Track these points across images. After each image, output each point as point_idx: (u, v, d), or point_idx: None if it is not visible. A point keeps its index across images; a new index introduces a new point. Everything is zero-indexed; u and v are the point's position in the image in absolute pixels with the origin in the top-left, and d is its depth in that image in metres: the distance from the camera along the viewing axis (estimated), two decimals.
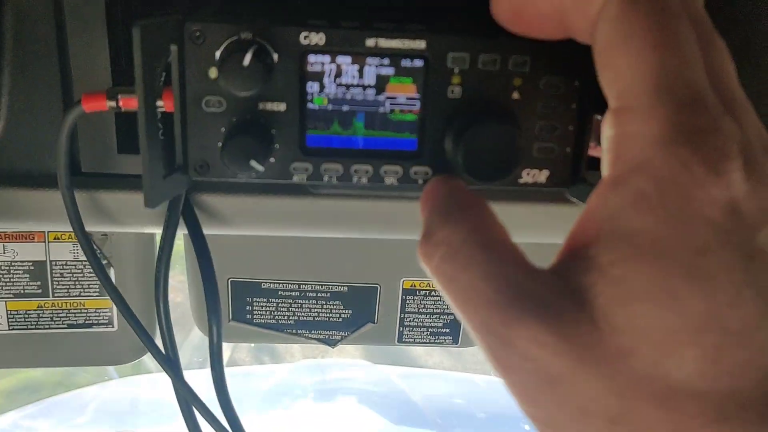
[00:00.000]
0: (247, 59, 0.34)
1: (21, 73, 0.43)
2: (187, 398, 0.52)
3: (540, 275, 0.30)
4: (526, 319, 0.28)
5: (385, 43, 0.37)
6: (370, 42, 0.37)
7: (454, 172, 0.39)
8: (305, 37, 0.37)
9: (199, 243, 0.46)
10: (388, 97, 0.39)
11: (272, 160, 0.39)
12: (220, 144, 0.38)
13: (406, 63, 0.38)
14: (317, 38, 0.37)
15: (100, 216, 0.46)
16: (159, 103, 0.39)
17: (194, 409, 0.53)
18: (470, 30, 0.38)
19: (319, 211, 0.48)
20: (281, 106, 0.38)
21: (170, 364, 0.51)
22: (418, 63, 0.38)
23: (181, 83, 0.37)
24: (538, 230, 0.51)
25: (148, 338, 0.52)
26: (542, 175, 0.40)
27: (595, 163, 0.37)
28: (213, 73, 0.37)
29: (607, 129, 0.30)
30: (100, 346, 0.90)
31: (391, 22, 0.40)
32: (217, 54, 0.37)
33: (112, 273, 0.84)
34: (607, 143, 0.30)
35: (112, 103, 0.39)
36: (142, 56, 0.33)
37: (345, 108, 0.39)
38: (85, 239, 0.45)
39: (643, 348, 0.26)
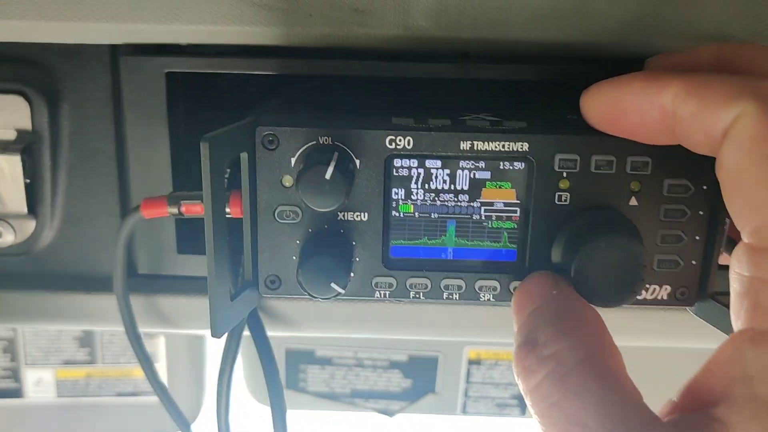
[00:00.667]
0: (329, 172, 0.30)
1: (77, 173, 0.40)
2: None
3: (659, 427, 0.25)
4: None
5: (481, 145, 0.32)
6: (464, 144, 0.32)
7: None
8: (390, 141, 0.32)
9: (263, 347, 0.42)
10: (483, 204, 0.34)
11: (352, 274, 0.34)
12: (294, 258, 0.34)
13: (504, 166, 0.33)
14: (404, 141, 0.32)
15: (156, 319, 0.42)
16: (226, 210, 0.35)
17: None
18: (579, 126, 0.33)
19: (386, 314, 0.43)
20: (363, 216, 0.33)
21: None
22: (519, 165, 0.33)
23: (252, 191, 0.33)
24: (650, 335, 0.45)
25: None
26: (663, 291, 0.34)
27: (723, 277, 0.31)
28: (288, 181, 0.33)
29: (741, 268, 0.25)
30: (147, 416, 0.87)
31: (485, 111, 0.35)
32: (293, 160, 0.32)
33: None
34: (741, 286, 0.25)
35: (174, 210, 0.35)
36: (210, 171, 0.29)
37: (434, 215, 0.34)
38: (139, 347, 0.41)
39: None
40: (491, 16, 0.35)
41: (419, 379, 0.89)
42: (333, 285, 0.32)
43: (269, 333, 0.43)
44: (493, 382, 0.89)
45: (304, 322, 0.43)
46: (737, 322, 0.25)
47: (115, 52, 0.38)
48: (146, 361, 0.43)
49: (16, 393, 0.84)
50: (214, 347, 0.87)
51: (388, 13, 0.35)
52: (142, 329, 0.42)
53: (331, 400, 0.91)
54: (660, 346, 0.44)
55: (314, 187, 0.30)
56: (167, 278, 0.41)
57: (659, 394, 0.28)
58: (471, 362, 0.87)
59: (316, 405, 0.93)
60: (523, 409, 0.92)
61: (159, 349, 0.82)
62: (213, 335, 0.31)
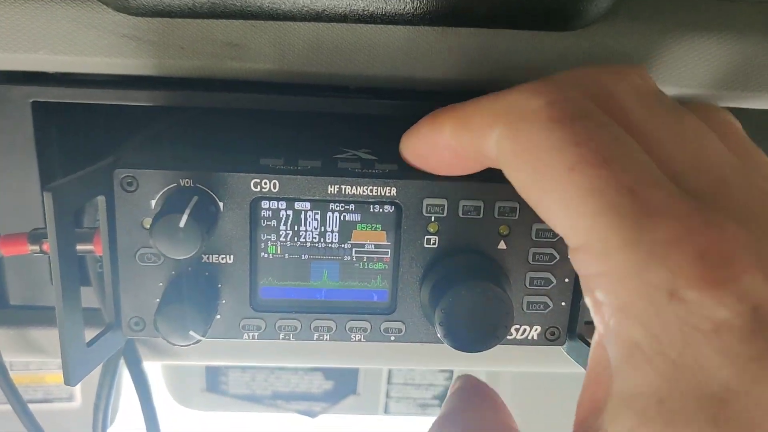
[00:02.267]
0: (183, 220, 0.29)
1: None
2: None
3: None
4: None
5: (350, 189, 0.32)
6: (332, 188, 0.32)
7: (430, 331, 0.34)
8: (255, 184, 0.31)
9: (139, 378, 0.41)
10: (354, 245, 0.33)
11: (218, 316, 0.33)
12: (157, 300, 0.33)
13: (375, 209, 0.33)
14: (270, 185, 0.32)
15: (29, 350, 0.41)
16: (90, 247, 0.33)
17: None
18: None
19: (270, 344, 0.43)
20: (228, 258, 0.33)
21: None
22: (389, 209, 0.33)
23: (111, 236, 0.32)
24: (531, 363, 0.46)
25: None
26: (534, 332, 0.35)
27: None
28: (147, 223, 0.32)
29: (578, 271, 0.25)
30: (59, 422, 0.85)
31: (363, 147, 0.35)
32: (153, 203, 0.31)
33: None
34: (583, 288, 0.25)
35: (35, 247, 0.34)
36: (56, 223, 0.28)
37: (304, 257, 0.33)
38: (7, 384, 0.40)
39: None
40: (366, 52, 0.34)
41: (341, 380, 0.90)
42: (191, 332, 0.31)
43: (149, 362, 0.42)
44: (414, 383, 0.89)
45: (185, 353, 0.42)
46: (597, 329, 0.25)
47: None
48: (13, 395, 0.42)
49: None
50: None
51: (263, 47, 0.34)
52: (14, 359, 0.41)
53: (252, 402, 0.91)
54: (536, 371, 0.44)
55: (167, 236, 0.29)
56: (39, 308, 0.40)
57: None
58: None
59: (237, 407, 0.93)
60: None
61: None
62: (67, 383, 0.31)
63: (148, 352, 0.42)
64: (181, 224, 0.29)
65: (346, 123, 0.39)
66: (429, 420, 1.00)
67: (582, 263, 0.24)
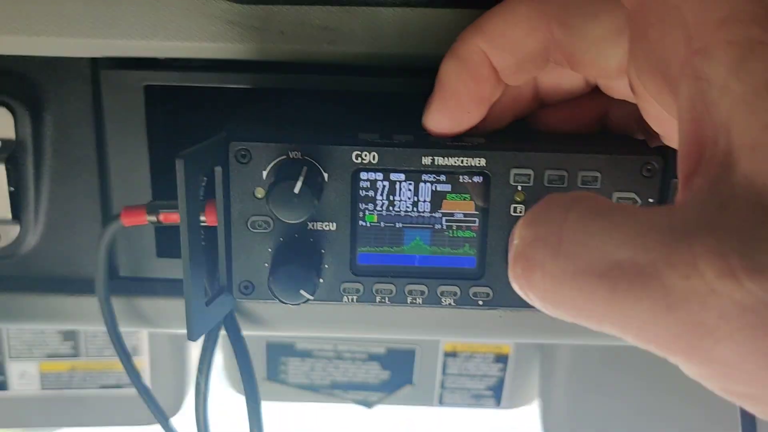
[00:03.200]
0: (298, 186, 0.32)
1: (60, 180, 0.41)
2: None
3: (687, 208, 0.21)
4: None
5: (442, 160, 0.34)
6: (426, 160, 0.34)
7: (517, 296, 0.36)
8: (357, 156, 0.34)
9: (239, 347, 0.44)
10: (444, 214, 0.36)
11: (321, 280, 0.36)
12: (266, 265, 0.36)
13: (464, 179, 0.35)
14: (369, 156, 0.34)
15: (137, 319, 0.44)
16: (201, 218, 0.36)
17: None
18: (534, 143, 0.35)
19: (357, 314, 0.46)
20: (331, 226, 0.35)
21: None
22: (477, 179, 0.35)
23: (226, 203, 0.35)
24: (589, 336, 0.47)
25: None
26: None
27: None
28: (260, 193, 0.34)
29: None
30: (130, 407, 0.89)
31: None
32: (264, 174, 0.34)
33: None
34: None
35: (153, 218, 0.37)
36: (186, 187, 0.31)
37: (398, 225, 0.36)
38: (120, 346, 0.43)
39: None
40: (450, 36, 0.37)
41: (397, 370, 0.92)
42: (302, 292, 0.34)
43: (245, 332, 0.45)
44: (469, 373, 0.91)
45: (278, 323, 0.45)
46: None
47: (96, 65, 0.40)
48: (127, 359, 0.45)
49: (1, 386, 0.85)
50: (197, 342, 0.89)
51: (357, 31, 0.37)
52: (123, 329, 0.44)
53: (311, 392, 0.94)
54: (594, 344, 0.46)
55: (283, 201, 0.32)
56: (147, 280, 0.43)
57: None
58: (447, 354, 0.90)
59: (296, 397, 0.95)
60: (498, 400, 0.94)
61: (142, 343, 0.84)
62: (189, 338, 0.34)
63: (244, 322, 0.45)
64: (296, 190, 0.32)
65: None
66: (482, 412, 1.01)
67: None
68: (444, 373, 0.92)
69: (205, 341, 0.42)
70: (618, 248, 0.21)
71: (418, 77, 0.39)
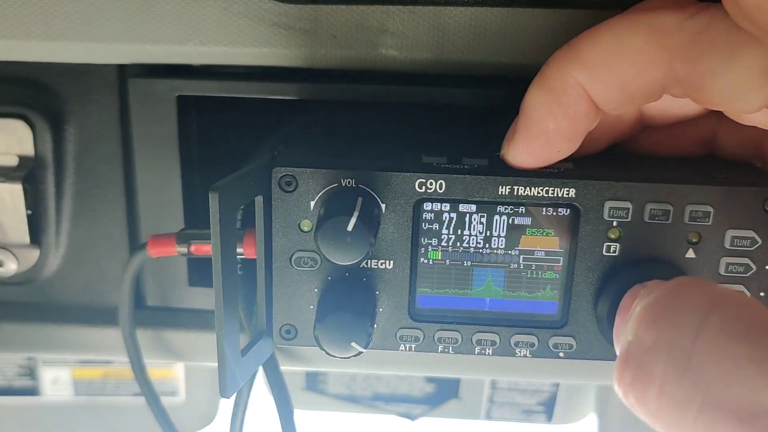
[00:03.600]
0: (352, 224, 0.27)
1: (83, 201, 0.37)
2: None
3: None
4: None
5: (522, 190, 0.29)
6: (503, 189, 0.29)
7: (605, 347, 0.31)
8: (420, 184, 0.29)
9: (276, 383, 0.39)
10: (522, 252, 0.30)
11: (375, 326, 0.31)
12: (312, 307, 0.31)
13: (548, 212, 0.30)
14: (435, 185, 0.29)
15: (165, 352, 0.40)
16: (239, 249, 0.32)
17: None
18: (633, 170, 0.30)
19: (407, 356, 0.41)
20: (388, 264, 0.30)
21: None
22: (564, 212, 0.30)
23: (267, 236, 0.30)
24: None
25: None
26: None
27: None
28: (306, 225, 0.30)
29: None
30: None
31: None
32: (312, 204, 0.29)
33: None
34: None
35: (183, 249, 0.33)
36: (220, 224, 0.26)
37: (466, 263, 0.31)
38: (144, 381, 0.39)
39: None
40: (534, 40, 0.31)
41: (443, 383, 0.87)
42: (353, 344, 0.29)
43: (284, 367, 0.40)
44: (519, 388, 0.86)
45: (321, 359, 0.40)
46: None
47: (123, 73, 0.35)
48: (151, 396, 0.41)
49: (34, 391, 0.83)
50: None
51: (421, 34, 0.31)
52: (151, 360, 0.40)
53: (351, 402, 0.89)
54: None
55: (335, 240, 0.27)
56: (178, 311, 0.39)
57: None
58: None
59: (336, 407, 0.91)
60: (549, 415, 0.89)
61: None
62: (222, 395, 0.29)
63: (283, 357, 0.40)
64: (350, 228, 0.27)
65: (510, 117, 0.36)
66: (533, 427, 0.96)
67: None
68: (493, 387, 0.86)
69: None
70: None
71: (493, 88, 0.34)
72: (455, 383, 0.87)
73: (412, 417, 0.90)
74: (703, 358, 0.17)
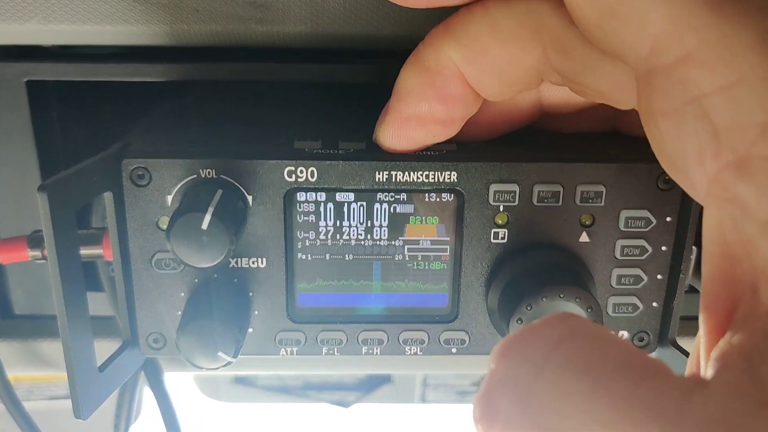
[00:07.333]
0: (207, 221, 0.24)
1: None
2: None
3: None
4: None
5: (401, 175, 0.27)
6: (380, 175, 0.27)
7: (497, 339, 0.29)
8: (290, 173, 0.26)
9: (160, 394, 0.36)
10: (406, 242, 0.28)
11: (250, 330, 0.28)
12: (179, 313, 0.28)
13: (430, 198, 0.27)
14: (307, 173, 0.26)
15: (37, 364, 0.36)
16: (98, 251, 0.29)
17: None
18: (520, 150, 0.27)
19: None
20: (260, 262, 0.28)
21: None
22: (447, 198, 0.27)
23: (122, 237, 0.27)
24: None
25: None
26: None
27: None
28: (164, 223, 0.27)
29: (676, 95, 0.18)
30: (68, 421, 0.81)
31: None
32: (169, 198, 0.26)
33: None
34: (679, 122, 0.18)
35: (37, 253, 0.29)
36: (54, 229, 0.23)
37: (348, 257, 0.28)
38: (10, 400, 0.35)
39: None
40: (417, 9, 0.28)
41: None
42: (220, 354, 0.26)
43: (176, 372, 0.37)
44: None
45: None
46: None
47: None
48: (18, 413, 0.37)
49: None
50: None
51: (293, 5, 0.29)
52: (20, 373, 0.37)
53: (282, 393, 0.87)
54: None
55: (189, 240, 0.24)
56: (48, 318, 0.35)
57: None
58: None
59: (267, 398, 0.89)
60: None
61: None
62: (77, 417, 0.26)
63: (170, 362, 0.37)
64: (204, 225, 0.24)
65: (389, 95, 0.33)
66: (467, 408, 0.95)
67: (689, 79, 0.17)
68: None
69: (120, 393, 0.34)
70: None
71: (372, 63, 0.31)
72: None
73: (345, 404, 0.88)
74: (542, 395, 0.16)
